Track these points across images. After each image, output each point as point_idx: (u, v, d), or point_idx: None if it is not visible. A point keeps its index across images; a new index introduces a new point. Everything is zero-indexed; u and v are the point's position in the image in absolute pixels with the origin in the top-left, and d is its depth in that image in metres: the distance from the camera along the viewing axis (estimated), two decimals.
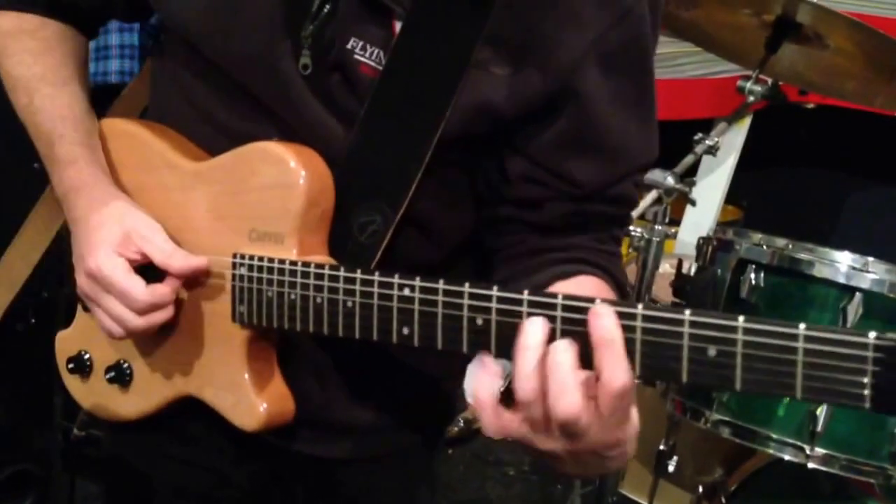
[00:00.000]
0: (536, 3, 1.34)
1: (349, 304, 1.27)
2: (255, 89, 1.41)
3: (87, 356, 1.58)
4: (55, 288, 1.60)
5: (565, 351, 1.07)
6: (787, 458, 2.36)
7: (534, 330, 1.10)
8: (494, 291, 1.15)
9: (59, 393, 2.49)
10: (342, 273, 1.28)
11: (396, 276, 1.23)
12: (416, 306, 1.21)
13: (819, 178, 4.24)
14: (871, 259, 2.27)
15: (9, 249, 1.78)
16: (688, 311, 0.98)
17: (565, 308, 1.09)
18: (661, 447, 2.76)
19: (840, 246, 2.33)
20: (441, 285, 1.19)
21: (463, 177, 1.47)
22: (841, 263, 2.29)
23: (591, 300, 1.07)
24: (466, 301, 1.17)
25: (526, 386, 1.09)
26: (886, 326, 2.27)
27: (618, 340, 1.04)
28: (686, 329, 0.99)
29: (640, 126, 1.42)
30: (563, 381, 1.06)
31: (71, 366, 1.58)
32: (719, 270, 2.44)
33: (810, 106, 3.17)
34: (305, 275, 1.31)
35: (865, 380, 0.87)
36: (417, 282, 1.21)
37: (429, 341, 1.21)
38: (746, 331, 0.94)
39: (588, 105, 1.37)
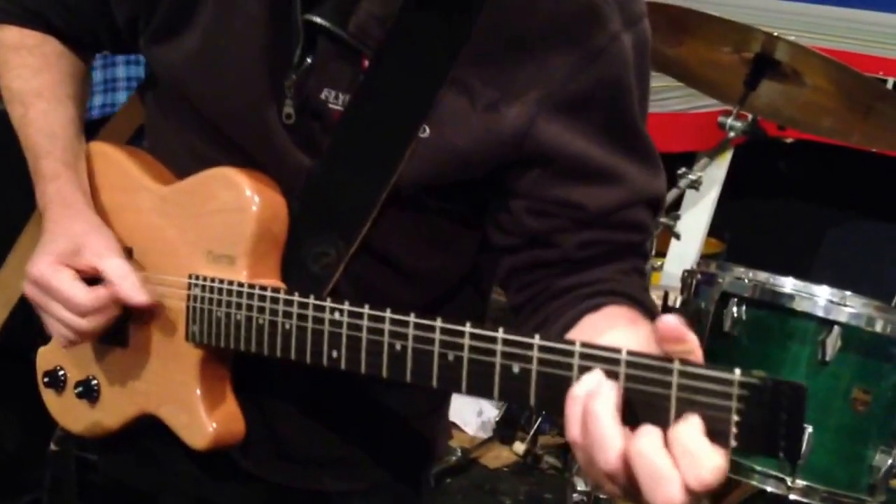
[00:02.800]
0: (507, 50, 1.33)
1: (287, 325, 1.30)
2: (239, 138, 1.44)
3: (61, 372, 1.61)
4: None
5: (605, 401, 0.97)
6: (769, 489, 2.37)
7: (586, 380, 1.01)
8: (411, 318, 1.17)
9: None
10: (281, 296, 1.31)
11: (328, 300, 1.26)
12: (344, 330, 1.23)
13: (799, 211, 4.26)
14: (848, 293, 2.29)
15: (3, 266, 1.80)
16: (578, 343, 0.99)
17: (541, 349, 1.05)
18: None
19: (819, 278, 2.35)
20: (366, 310, 1.21)
21: (448, 223, 1.46)
22: (820, 297, 2.31)
23: (572, 342, 1.03)
24: (386, 327, 1.19)
25: (571, 432, 1.01)
26: (864, 360, 2.28)
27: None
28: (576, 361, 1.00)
29: (628, 159, 1.38)
30: (600, 434, 0.97)
31: (46, 380, 1.61)
32: (703, 303, 2.46)
33: (789, 140, 3.17)
34: (250, 296, 1.34)
35: (734, 417, 0.87)
36: (346, 306, 1.23)
37: (353, 365, 1.23)
38: (628, 364, 0.95)
39: (557, 148, 1.34)
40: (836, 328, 2.26)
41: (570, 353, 1.00)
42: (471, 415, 3.91)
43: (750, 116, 2.68)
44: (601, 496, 2.81)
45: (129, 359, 1.51)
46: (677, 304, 2.60)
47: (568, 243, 1.39)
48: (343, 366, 1.24)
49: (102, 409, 1.57)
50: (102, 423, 1.57)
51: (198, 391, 1.43)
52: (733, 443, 0.87)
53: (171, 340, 1.46)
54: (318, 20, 1.37)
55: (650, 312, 1.35)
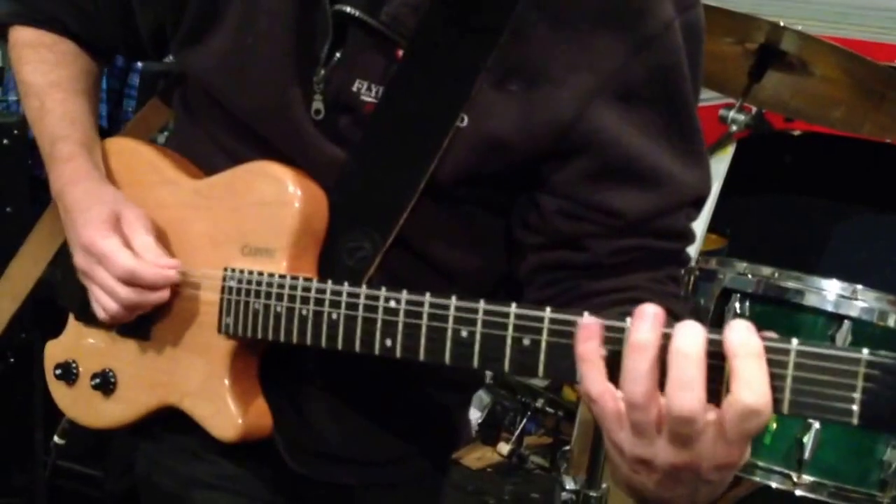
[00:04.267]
0: (550, 35, 1.30)
1: (334, 315, 1.28)
2: (269, 135, 1.44)
3: (74, 364, 1.60)
4: (33, 329, 1.61)
5: (693, 338, 0.97)
6: (774, 485, 2.36)
7: (645, 327, 0.99)
8: (481, 304, 1.14)
9: (39, 429, 2.51)
10: (328, 286, 1.29)
11: (383, 289, 1.24)
12: (401, 318, 1.21)
13: (804, 206, 4.24)
14: (859, 287, 2.28)
15: (12, 263, 1.79)
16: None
17: (552, 321, 1.07)
18: None
19: (826, 274, 2.34)
20: (428, 298, 1.19)
21: (486, 218, 1.44)
22: (829, 291, 2.31)
23: (580, 314, 1.04)
24: (451, 313, 1.17)
25: (637, 389, 0.98)
26: None
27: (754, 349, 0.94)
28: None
29: (678, 156, 1.33)
30: (685, 374, 0.96)
31: (58, 372, 1.61)
32: (702, 300, 2.45)
33: (796, 133, 3.17)
34: (293, 287, 1.33)
35: (856, 395, 0.86)
36: (404, 294, 1.22)
37: (411, 353, 1.21)
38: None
39: (609, 139, 1.30)
40: (847, 323, 2.25)
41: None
42: None
43: (754, 109, 2.64)
44: (591, 494, 2.78)
45: (151, 350, 1.51)
46: None
47: (600, 249, 1.36)
48: (398, 354, 1.22)
49: (119, 400, 1.56)
50: (118, 415, 1.56)
51: (227, 381, 1.43)
52: (856, 421, 0.86)
53: (201, 332, 1.45)
54: (348, 10, 1.35)
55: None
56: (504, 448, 3.81)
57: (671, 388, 0.96)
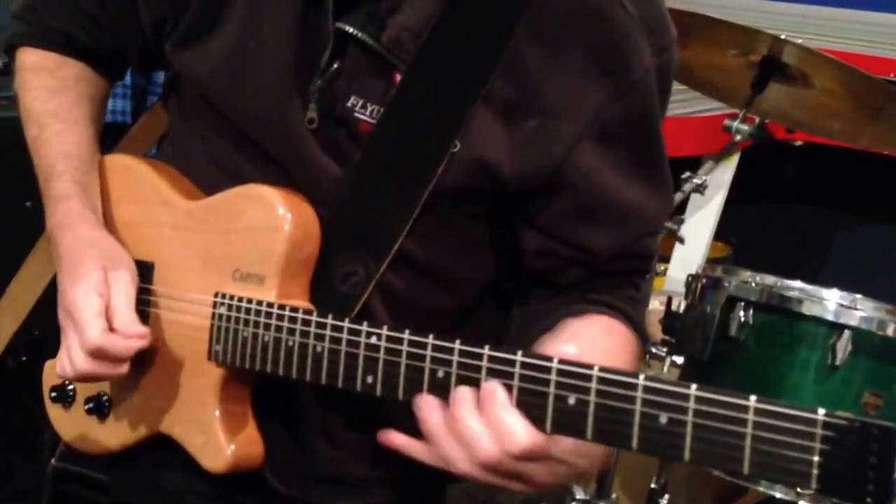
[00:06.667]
0: (542, 69, 1.34)
1: (318, 348, 1.28)
2: (264, 141, 1.44)
3: (70, 386, 1.59)
4: (47, 326, 1.61)
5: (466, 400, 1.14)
6: (778, 495, 2.35)
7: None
8: (456, 345, 1.15)
9: (47, 429, 2.51)
10: (314, 318, 1.29)
11: (365, 323, 1.25)
12: (382, 355, 1.22)
13: (807, 215, 4.24)
14: (859, 296, 2.27)
15: (13, 281, 1.80)
16: (642, 377, 0.97)
17: (524, 366, 1.08)
18: (653, 485, 2.75)
19: (829, 282, 2.33)
20: (406, 335, 1.20)
21: (476, 225, 1.47)
22: (829, 301, 2.28)
23: (551, 359, 1.06)
24: (429, 353, 1.18)
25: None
26: (875, 363, 2.27)
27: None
28: (639, 394, 0.98)
29: (649, 190, 1.42)
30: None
31: (54, 394, 1.60)
32: (708, 307, 2.43)
33: (798, 143, 3.17)
34: (280, 317, 1.33)
35: (814, 458, 0.85)
36: (384, 331, 1.22)
37: (390, 391, 1.22)
38: (698, 399, 0.93)
39: (591, 177, 1.37)
40: (847, 332, 2.22)
41: (633, 387, 0.98)
42: None
43: (757, 119, 2.67)
44: None
45: (145, 376, 1.50)
46: (681, 310, 2.58)
47: (573, 275, 1.44)
48: (378, 392, 1.23)
49: (112, 426, 1.55)
50: (110, 441, 1.56)
51: (217, 412, 1.42)
52: (814, 485, 0.85)
53: (192, 359, 1.44)
54: (350, 30, 1.37)
55: (633, 322, 1.41)
56: None
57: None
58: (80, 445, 1.60)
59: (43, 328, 2.18)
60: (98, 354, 1.38)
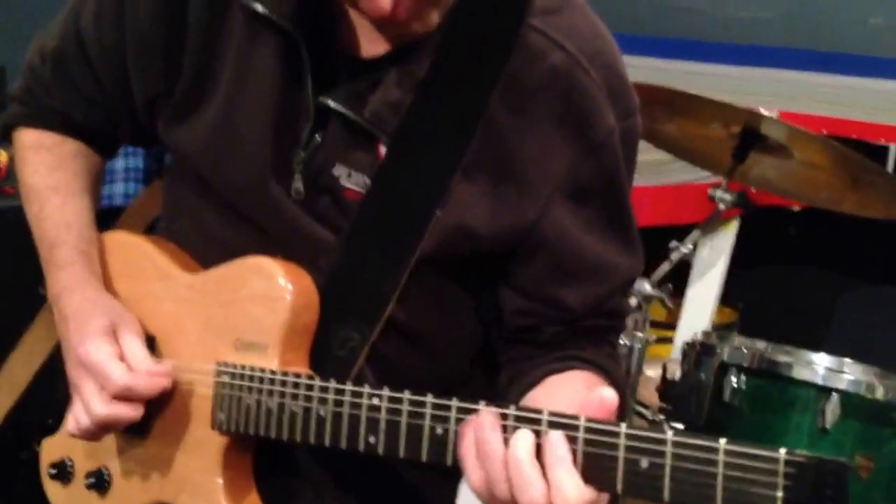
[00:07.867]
0: (516, 136, 1.41)
1: (322, 412, 1.32)
2: (254, 213, 1.49)
3: (69, 463, 1.60)
4: (59, 417, 1.63)
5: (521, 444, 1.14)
6: None
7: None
8: (454, 402, 1.21)
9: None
10: (317, 383, 1.34)
11: (366, 386, 1.30)
12: (383, 415, 1.27)
13: (811, 277, 4.26)
14: (847, 360, 2.33)
15: (11, 355, 1.81)
16: (623, 425, 1.05)
17: (517, 419, 1.15)
18: None
19: (838, 345, 2.36)
20: (406, 395, 1.25)
21: (458, 289, 1.53)
22: (818, 365, 2.35)
23: (540, 411, 1.13)
24: (428, 411, 1.23)
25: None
26: (864, 426, 2.30)
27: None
28: (622, 441, 1.05)
29: (619, 245, 1.48)
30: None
31: (53, 472, 1.61)
32: (703, 374, 2.48)
33: (795, 209, 3.19)
34: (283, 383, 1.36)
35: (778, 494, 0.92)
36: (385, 392, 1.27)
37: (392, 450, 1.26)
38: (675, 444, 1.00)
39: (564, 234, 1.44)
40: (835, 395, 2.27)
41: (616, 434, 1.05)
42: None
43: (741, 188, 2.73)
44: None
45: (146, 448, 1.52)
46: (677, 377, 2.63)
47: (550, 333, 1.50)
48: (381, 451, 1.27)
49: (113, 500, 1.56)
50: None
51: (220, 480, 1.44)
52: None
53: (195, 428, 1.47)
54: (332, 104, 1.43)
55: (613, 379, 1.47)
56: None
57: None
58: None
59: (56, 418, 2.18)
60: (123, 395, 1.41)
